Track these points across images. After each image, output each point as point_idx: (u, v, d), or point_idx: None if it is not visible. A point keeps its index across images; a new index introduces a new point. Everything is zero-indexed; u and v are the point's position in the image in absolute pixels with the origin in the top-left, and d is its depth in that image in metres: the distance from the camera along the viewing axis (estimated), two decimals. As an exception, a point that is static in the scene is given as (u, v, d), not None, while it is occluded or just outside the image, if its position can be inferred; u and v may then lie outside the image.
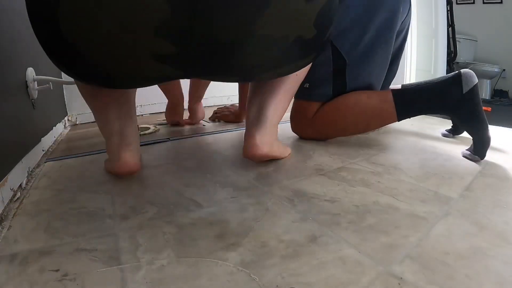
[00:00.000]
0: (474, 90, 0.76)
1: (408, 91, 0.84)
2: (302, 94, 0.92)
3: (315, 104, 0.91)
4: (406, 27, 1.01)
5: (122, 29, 0.42)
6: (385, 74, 0.97)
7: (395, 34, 0.94)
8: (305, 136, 0.95)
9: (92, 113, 0.68)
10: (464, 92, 0.76)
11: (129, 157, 0.63)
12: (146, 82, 0.56)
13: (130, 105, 0.68)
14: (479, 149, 0.74)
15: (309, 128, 0.93)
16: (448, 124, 0.99)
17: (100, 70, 0.49)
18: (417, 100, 0.83)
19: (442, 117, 1.21)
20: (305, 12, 0.49)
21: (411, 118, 0.86)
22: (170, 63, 0.49)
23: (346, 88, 0.89)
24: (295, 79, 0.72)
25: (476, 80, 0.76)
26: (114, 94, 0.64)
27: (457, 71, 0.80)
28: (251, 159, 0.70)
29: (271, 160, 0.76)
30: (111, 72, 0.50)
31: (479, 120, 0.75)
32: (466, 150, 0.78)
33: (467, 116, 0.77)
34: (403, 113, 0.84)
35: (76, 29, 0.43)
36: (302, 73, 0.73)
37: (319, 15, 0.51)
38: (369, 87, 0.91)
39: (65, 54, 0.47)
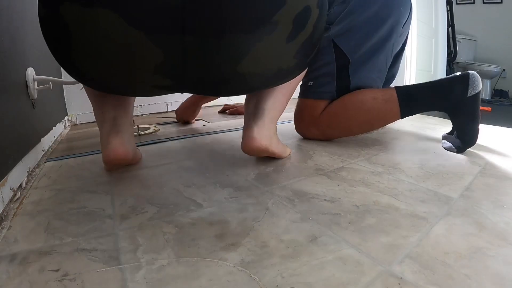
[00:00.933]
0: (477, 95, 0.78)
1: (413, 89, 0.86)
2: (306, 93, 0.93)
3: (320, 102, 0.91)
4: (407, 31, 1.02)
5: (126, 70, 0.50)
6: (385, 76, 0.98)
7: (397, 39, 0.95)
8: (308, 135, 0.95)
9: (92, 113, 0.68)
10: (468, 95, 0.78)
11: (118, 144, 0.62)
12: (147, 95, 0.64)
13: (127, 98, 0.71)
14: (461, 147, 0.79)
15: (314, 127, 0.93)
16: (448, 125, 0.99)
17: (105, 86, 0.58)
18: (421, 98, 0.84)
19: (442, 117, 1.21)
20: (285, 51, 0.54)
21: (412, 116, 0.87)
22: (168, 90, 0.58)
23: (350, 86, 0.90)
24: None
25: (481, 86, 0.78)
26: None
27: (465, 72, 0.80)
28: (249, 153, 0.70)
29: (271, 159, 0.76)
30: (115, 92, 0.61)
31: (474, 123, 0.78)
32: (447, 141, 0.82)
33: (465, 117, 0.79)
34: (407, 112, 0.86)
35: (87, 65, 0.51)
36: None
37: (299, 49, 0.55)
38: (371, 88, 0.91)
39: (74, 72, 0.54)
